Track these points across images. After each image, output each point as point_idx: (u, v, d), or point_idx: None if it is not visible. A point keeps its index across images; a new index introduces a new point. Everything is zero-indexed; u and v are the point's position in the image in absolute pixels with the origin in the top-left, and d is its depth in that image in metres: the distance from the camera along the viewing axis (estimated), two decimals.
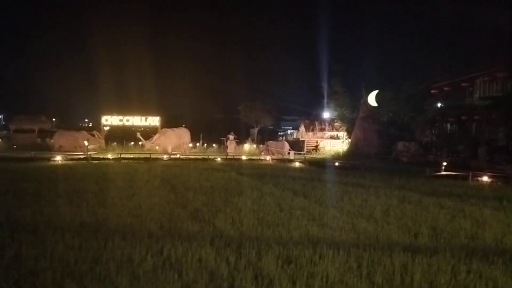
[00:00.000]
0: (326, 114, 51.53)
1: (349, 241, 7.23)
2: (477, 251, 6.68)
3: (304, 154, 37.65)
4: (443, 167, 22.79)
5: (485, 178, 19.09)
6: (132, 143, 38.65)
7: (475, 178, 19.18)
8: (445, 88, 38.01)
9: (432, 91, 39.37)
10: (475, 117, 32.16)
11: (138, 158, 27.53)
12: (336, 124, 47.82)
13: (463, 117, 33.97)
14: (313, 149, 42.28)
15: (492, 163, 24.89)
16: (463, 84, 35.48)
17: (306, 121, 53.07)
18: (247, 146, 41.61)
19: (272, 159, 30.93)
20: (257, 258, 5.96)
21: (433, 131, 38.52)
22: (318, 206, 10.83)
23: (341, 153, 38.61)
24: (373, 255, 6.23)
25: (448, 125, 37.36)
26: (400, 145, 36.37)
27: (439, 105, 39.10)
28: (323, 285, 5.07)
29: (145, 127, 43.37)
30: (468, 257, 6.24)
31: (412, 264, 5.85)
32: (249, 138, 47.41)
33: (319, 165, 27.11)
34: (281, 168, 24.86)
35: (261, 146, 40.53)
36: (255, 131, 55.87)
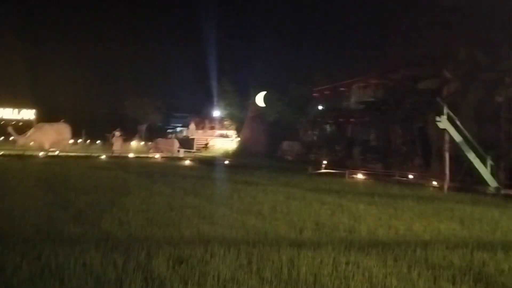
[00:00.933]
0: (216, 113, 52.00)
1: (239, 238, 7.37)
2: (355, 243, 7.28)
3: (194, 152, 37.52)
4: (323, 166, 24.49)
5: (359, 176, 20.96)
6: (2, 138, 34.74)
7: (351, 176, 20.94)
8: (326, 92, 40.85)
9: (314, 94, 42.03)
10: (351, 120, 35.12)
11: (10, 155, 24.85)
12: (226, 123, 48.52)
13: (340, 119, 36.86)
14: (203, 147, 42.36)
15: (365, 162, 27.44)
16: (341, 89, 38.47)
17: (197, 119, 52.97)
18: (134, 143, 40.12)
19: (161, 157, 30.28)
20: (147, 259, 5.77)
21: (315, 132, 41.19)
22: (208, 204, 10.86)
23: (231, 152, 39.29)
24: (262, 251, 6.43)
25: (328, 126, 40.23)
26: (285, 145, 38.25)
27: (320, 107, 41.89)
28: (215, 283, 5.09)
29: (19, 121, 39.32)
30: (347, 249, 6.77)
31: (298, 258, 6.16)
32: (137, 135, 45.78)
33: (209, 163, 27.25)
34: (170, 166, 24.45)
35: (150, 143, 39.41)
36: (143, 127, 54.10)
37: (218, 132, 47.98)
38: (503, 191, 15.68)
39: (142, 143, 41.50)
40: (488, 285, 5.59)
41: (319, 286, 5.19)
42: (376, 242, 7.53)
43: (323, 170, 23.62)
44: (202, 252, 6.18)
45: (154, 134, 49.09)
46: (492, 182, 16.59)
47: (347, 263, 6.06)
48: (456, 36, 20.13)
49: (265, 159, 32.45)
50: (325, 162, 25.43)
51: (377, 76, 30.83)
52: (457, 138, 17.01)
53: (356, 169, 22.70)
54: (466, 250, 7.18)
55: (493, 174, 16.92)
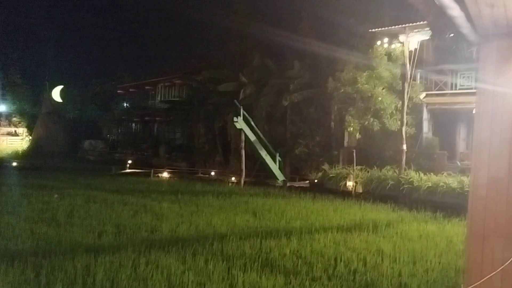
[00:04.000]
0: (2, 108, 45.27)
1: (26, 249, 6.61)
2: (156, 242, 7.32)
3: None
4: (128, 165, 23.87)
5: (165, 174, 21.13)
6: None
7: (156, 175, 20.94)
8: (131, 90, 39.81)
9: (119, 91, 40.52)
10: (157, 118, 35.08)
11: None
12: (14, 119, 42.62)
13: (146, 118, 36.45)
14: None
15: (171, 160, 27.79)
16: (147, 87, 38.02)
17: None
18: None
19: None
20: None
21: (120, 130, 39.77)
22: None
23: (21, 152, 34.78)
24: (54, 261, 5.92)
25: (134, 125, 39.33)
26: (87, 144, 35.83)
27: (125, 105, 40.63)
28: None
29: None
30: (148, 250, 6.76)
31: (95, 264, 5.88)
32: None
33: None
34: None
35: None
36: None
37: (5, 129, 41.89)
38: (288, 184, 17.91)
39: None
40: (273, 268, 6.31)
41: None
42: (177, 239, 7.71)
43: (128, 170, 23.01)
44: None
45: None
46: (280, 176, 18.80)
47: (147, 264, 6.05)
48: (252, 44, 22.15)
49: (63, 159, 29.77)
50: (130, 161, 24.82)
51: (182, 77, 31.54)
52: (252, 137, 18.71)
53: (162, 168, 22.81)
54: (256, 239, 7.95)
55: (281, 169, 19.20)
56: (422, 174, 13.58)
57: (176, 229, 8.71)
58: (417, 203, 12.37)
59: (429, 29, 11.75)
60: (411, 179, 13.35)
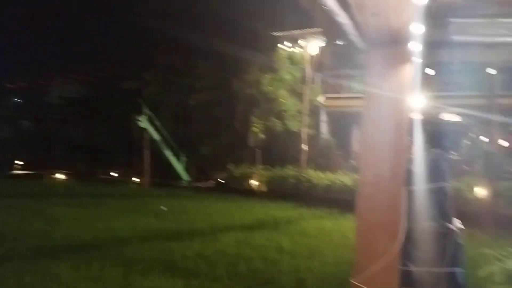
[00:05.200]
0: None
1: None
2: (46, 250, 6.78)
3: None
4: (19, 166, 21.93)
5: (61, 176, 19.74)
6: None
7: (50, 176, 19.48)
8: (23, 85, 36.55)
9: (8, 86, 36.96)
10: (53, 116, 32.64)
11: None
12: None
13: (41, 116, 33.75)
14: None
15: (68, 161, 26.03)
16: (41, 82, 35.19)
17: None
18: None
19: None
20: None
21: (9, 128, 36.29)
22: None
23: None
24: None
25: (26, 123, 36.18)
26: None
27: (16, 100, 37.24)
28: None
29: None
30: (36, 258, 6.23)
31: None
32: None
33: None
34: None
35: None
36: None
37: None
38: (194, 184, 17.76)
39: None
40: (174, 270, 6.18)
41: None
42: (71, 246, 7.23)
43: (18, 172, 21.10)
44: None
45: None
46: (185, 177, 18.57)
47: (33, 273, 5.57)
48: (157, 41, 21.52)
49: None
50: (21, 162, 22.79)
51: (82, 72, 29.71)
52: (156, 136, 18.24)
53: (58, 169, 21.27)
54: (158, 241, 7.75)
55: (187, 169, 18.97)
56: (320, 173, 14.30)
57: (70, 235, 8.16)
58: (316, 200, 12.98)
59: (324, 35, 12.45)
60: (310, 178, 13.99)
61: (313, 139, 17.41)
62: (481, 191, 11.16)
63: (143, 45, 22.80)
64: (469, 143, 20.95)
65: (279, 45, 16.61)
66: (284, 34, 15.57)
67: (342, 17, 2.82)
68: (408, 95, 3.47)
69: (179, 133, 20.22)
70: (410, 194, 3.58)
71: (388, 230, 3.49)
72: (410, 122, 3.49)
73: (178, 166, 18.56)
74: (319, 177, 14.06)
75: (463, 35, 3.67)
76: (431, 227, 3.85)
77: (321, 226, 9.84)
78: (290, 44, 16.00)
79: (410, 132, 3.58)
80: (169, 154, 18.39)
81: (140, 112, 18.04)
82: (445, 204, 3.82)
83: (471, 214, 10.62)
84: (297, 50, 16.06)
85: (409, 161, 3.64)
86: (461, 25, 3.58)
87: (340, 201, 12.81)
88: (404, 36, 3.07)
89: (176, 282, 5.59)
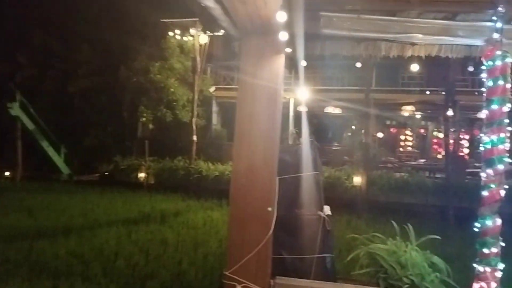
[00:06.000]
0: None
1: None
2: None
3: None
4: None
5: None
6: None
7: None
8: None
9: None
10: None
11: None
12: None
13: None
14: None
15: None
16: None
17: None
18: None
19: None
20: None
21: None
22: None
23: None
24: None
25: None
26: None
27: None
28: None
29: None
30: None
31: None
32: None
33: None
34: None
35: None
36: None
37: None
38: (76, 178, 16.53)
39: None
40: (42, 272, 5.63)
41: None
42: None
43: None
44: None
45: None
46: (65, 170, 17.23)
47: None
48: (32, 21, 19.50)
49: None
50: None
51: None
52: (30, 126, 16.63)
53: None
54: (27, 241, 7.03)
55: (67, 161, 17.61)
56: (210, 164, 14.25)
57: None
58: (206, 191, 12.90)
59: (200, 23, 12.29)
60: (200, 169, 13.86)
61: (204, 130, 17.31)
62: (358, 180, 12.04)
63: (16, 21, 20.49)
64: (350, 134, 22.67)
65: (170, 33, 16.12)
66: (174, 21, 15.13)
67: (210, 2, 2.71)
68: (281, 85, 3.50)
69: (60, 123, 18.64)
70: (282, 183, 3.63)
71: (260, 220, 3.50)
72: (280, 112, 3.52)
73: (57, 158, 17.14)
74: (209, 168, 13.99)
75: (334, 29, 3.79)
76: (302, 215, 3.97)
77: (209, 217, 9.78)
78: (180, 32, 15.62)
79: (286, 123, 3.63)
80: (46, 145, 16.87)
81: (12, 99, 16.24)
82: (315, 192, 3.96)
83: (349, 201, 11.53)
84: (188, 38, 15.73)
85: (282, 150, 3.69)
86: (331, 18, 3.69)
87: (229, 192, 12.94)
88: (275, 25, 3.06)
89: (42, 285, 5.09)
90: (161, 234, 7.99)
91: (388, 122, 22.43)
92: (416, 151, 21.62)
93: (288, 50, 3.44)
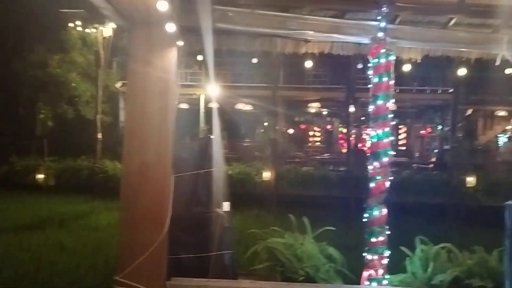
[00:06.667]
0: None
1: None
2: None
3: None
4: None
5: None
6: None
7: None
8: None
9: None
10: None
11: None
12: None
13: None
14: None
15: None
16: None
17: None
18: None
19: None
20: None
21: None
22: None
23: None
24: None
25: None
26: None
27: None
28: None
29: None
30: None
31: None
32: None
33: None
34: None
35: None
36: None
37: None
38: None
39: None
40: None
41: None
42: None
43: None
44: None
45: None
46: None
47: None
48: None
49: None
50: None
51: None
52: None
53: None
54: None
55: None
56: (117, 163, 13.62)
57: None
58: (112, 191, 12.21)
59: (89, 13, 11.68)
60: (106, 168, 13.20)
61: (111, 127, 16.49)
62: (267, 175, 12.25)
63: None
64: (262, 131, 23.09)
65: (70, 24, 15.10)
66: (75, 11, 14.21)
67: None
68: (174, 79, 3.37)
69: None
70: (177, 181, 3.52)
71: (154, 220, 3.35)
72: (174, 107, 3.40)
73: None
74: (116, 167, 13.34)
75: (229, 24, 3.74)
76: (200, 213, 3.89)
77: (113, 219, 9.31)
78: (82, 24, 14.69)
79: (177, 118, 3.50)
80: None
81: None
82: (212, 189, 3.90)
83: (258, 196, 11.70)
84: (90, 31, 14.85)
85: (176, 147, 3.57)
86: (225, 13, 3.64)
87: None
88: (162, 16, 2.93)
89: None
90: (59, 239, 7.45)
91: (297, 119, 23.19)
92: (323, 146, 22.62)
93: (180, 43, 3.31)
